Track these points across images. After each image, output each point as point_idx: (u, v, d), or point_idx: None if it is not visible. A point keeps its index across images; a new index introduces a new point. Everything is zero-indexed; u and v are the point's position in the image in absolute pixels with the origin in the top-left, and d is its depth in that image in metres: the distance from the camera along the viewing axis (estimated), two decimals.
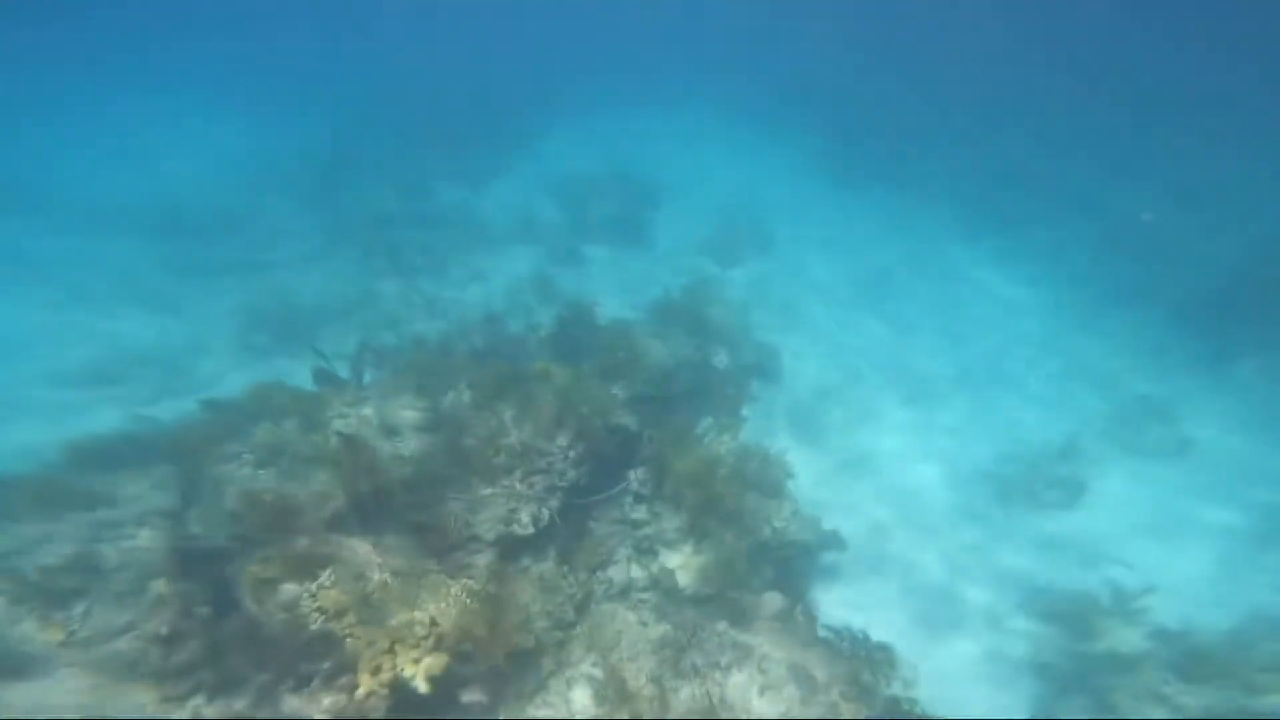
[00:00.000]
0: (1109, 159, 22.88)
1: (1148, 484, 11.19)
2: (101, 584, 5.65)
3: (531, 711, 5.27)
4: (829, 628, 6.76)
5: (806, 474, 10.19)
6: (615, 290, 16.11)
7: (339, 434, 6.81)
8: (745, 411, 9.89)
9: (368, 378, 9.04)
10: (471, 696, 5.15)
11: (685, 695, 5.58)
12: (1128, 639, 7.54)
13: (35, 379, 12.00)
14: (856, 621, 7.31)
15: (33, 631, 4.98)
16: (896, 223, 21.30)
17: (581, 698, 5.46)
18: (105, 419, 10.66)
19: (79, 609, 5.32)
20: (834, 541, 8.39)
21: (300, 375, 10.90)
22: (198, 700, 4.71)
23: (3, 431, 10.49)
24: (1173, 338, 15.06)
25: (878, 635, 6.99)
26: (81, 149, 24.03)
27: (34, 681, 4.67)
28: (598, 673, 5.76)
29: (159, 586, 5.46)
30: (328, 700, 4.56)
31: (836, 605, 7.91)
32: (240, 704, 4.72)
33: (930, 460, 11.44)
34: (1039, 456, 11.20)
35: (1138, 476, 11.39)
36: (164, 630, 5.00)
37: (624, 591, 6.98)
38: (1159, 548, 9.72)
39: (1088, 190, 21.28)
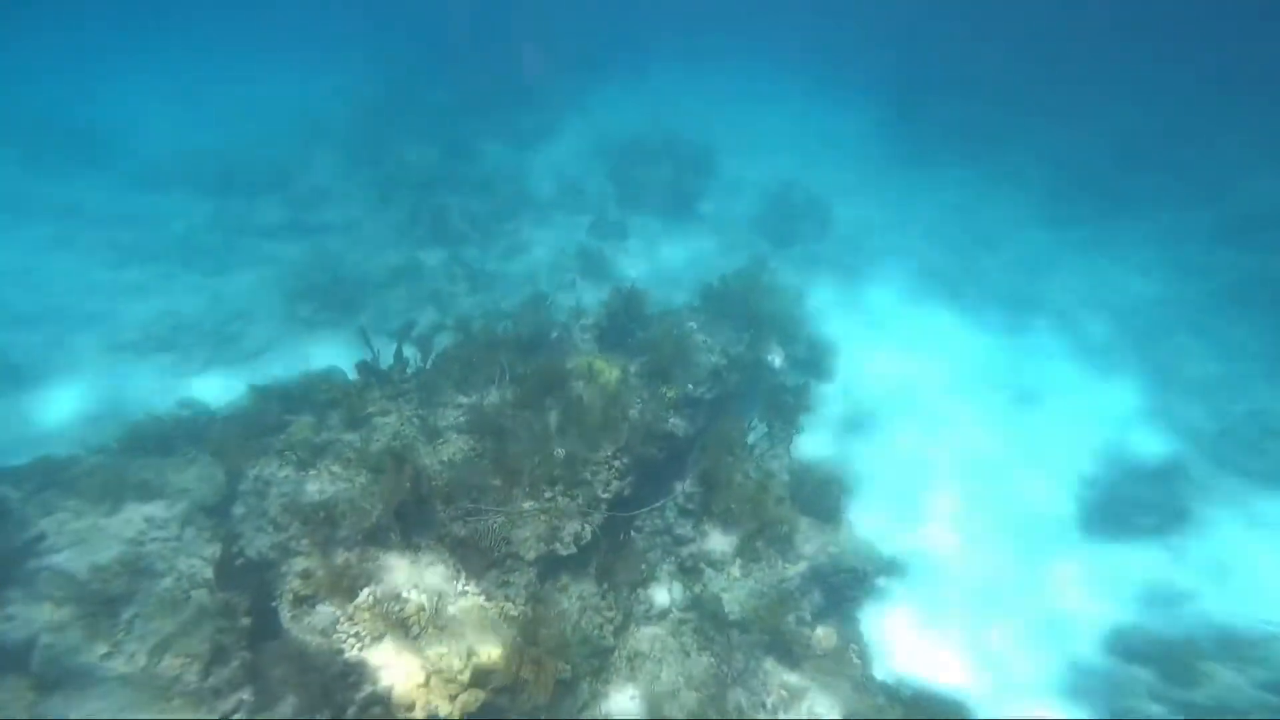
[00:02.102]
0: (1233, 141, 20.52)
1: (1261, 510, 10.15)
2: (148, 586, 5.66)
3: None
4: (888, 670, 6.38)
5: (864, 485, 9.68)
6: (663, 270, 15.54)
7: (386, 451, 6.62)
8: (801, 420, 9.33)
9: (410, 365, 8.82)
10: None
11: None
12: (1233, 686, 6.90)
13: (95, 343, 12.28)
14: (915, 655, 6.90)
15: (79, 641, 4.99)
16: (972, 200, 19.76)
17: None
18: (157, 390, 10.90)
19: (125, 615, 5.33)
20: (891, 568, 7.93)
21: (341, 352, 10.85)
22: None
23: (67, 398, 10.81)
24: None
25: (936, 670, 6.57)
26: (141, 104, 24.27)
27: (72, 694, 4.68)
28: (635, 707, 5.55)
29: (201, 597, 5.42)
30: None
31: (892, 635, 7.48)
32: None
33: (1006, 476, 10.73)
34: (1132, 476, 10.32)
35: (1248, 502, 10.33)
36: (205, 647, 4.95)
37: (664, 614, 6.71)
38: (1272, 581, 8.90)
39: (1209, 175, 19.20)
